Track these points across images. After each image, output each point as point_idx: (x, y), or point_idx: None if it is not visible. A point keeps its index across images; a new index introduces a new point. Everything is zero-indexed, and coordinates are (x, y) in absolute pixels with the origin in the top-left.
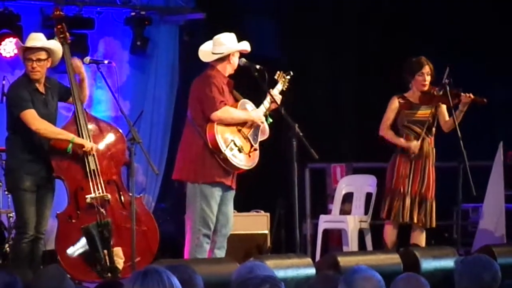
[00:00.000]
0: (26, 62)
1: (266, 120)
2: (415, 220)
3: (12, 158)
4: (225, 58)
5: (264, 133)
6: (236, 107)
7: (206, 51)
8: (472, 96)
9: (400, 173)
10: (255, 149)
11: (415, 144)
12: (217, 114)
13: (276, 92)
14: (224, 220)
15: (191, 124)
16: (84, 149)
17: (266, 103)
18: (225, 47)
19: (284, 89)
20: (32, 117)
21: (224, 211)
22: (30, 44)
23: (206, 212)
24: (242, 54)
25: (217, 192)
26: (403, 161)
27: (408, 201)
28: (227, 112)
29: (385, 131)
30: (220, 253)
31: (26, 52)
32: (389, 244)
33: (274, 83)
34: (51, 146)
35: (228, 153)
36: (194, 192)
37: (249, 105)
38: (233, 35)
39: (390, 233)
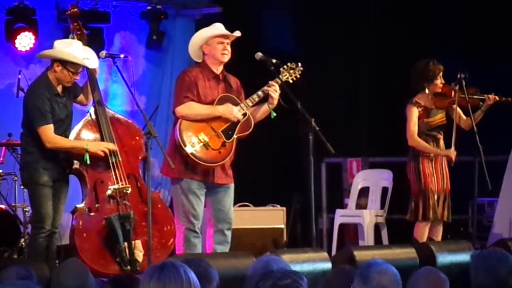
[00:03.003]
0: (68, 72)
1: (270, 114)
2: (445, 217)
3: (28, 154)
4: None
5: (245, 128)
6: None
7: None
8: (496, 97)
9: (426, 173)
10: (230, 145)
11: (453, 152)
12: (178, 110)
13: (275, 81)
14: (219, 215)
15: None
16: (98, 154)
17: (255, 96)
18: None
19: (291, 80)
20: (48, 134)
21: (217, 207)
22: (94, 65)
23: (185, 206)
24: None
25: (194, 187)
26: (426, 161)
27: (436, 198)
28: (189, 107)
29: (415, 141)
30: (222, 248)
31: (72, 65)
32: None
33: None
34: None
35: (189, 149)
36: (174, 187)
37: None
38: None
39: (423, 232)
